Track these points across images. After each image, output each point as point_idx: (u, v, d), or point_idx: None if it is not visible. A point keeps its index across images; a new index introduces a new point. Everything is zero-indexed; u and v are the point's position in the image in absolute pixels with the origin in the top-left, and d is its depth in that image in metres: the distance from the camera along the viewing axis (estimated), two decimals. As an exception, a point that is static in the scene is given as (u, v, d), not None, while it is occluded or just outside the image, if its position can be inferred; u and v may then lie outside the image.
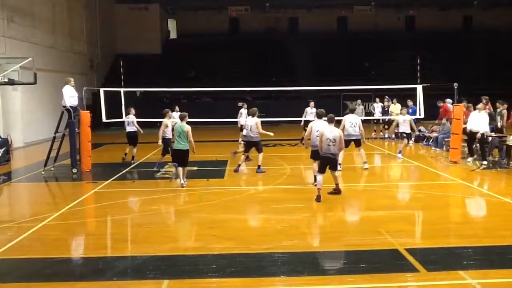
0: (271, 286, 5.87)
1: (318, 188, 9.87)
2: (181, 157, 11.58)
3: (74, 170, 13.55)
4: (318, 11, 39.73)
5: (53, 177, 13.69)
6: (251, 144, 13.63)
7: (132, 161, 15.46)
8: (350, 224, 8.30)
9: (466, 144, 14.68)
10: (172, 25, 42.29)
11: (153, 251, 7.03)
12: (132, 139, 15.49)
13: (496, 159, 14.16)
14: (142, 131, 15.53)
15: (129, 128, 15.50)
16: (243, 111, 19.58)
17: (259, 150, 13.44)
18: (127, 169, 14.40)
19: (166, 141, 13.92)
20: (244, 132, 13.81)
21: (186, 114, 11.89)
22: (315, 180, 10.45)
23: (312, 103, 19.38)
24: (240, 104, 20.26)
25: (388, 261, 6.57)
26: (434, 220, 8.72)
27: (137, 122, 15.49)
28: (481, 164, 13.30)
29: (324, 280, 5.97)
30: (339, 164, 12.04)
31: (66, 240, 7.95)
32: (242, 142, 19.71)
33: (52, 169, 14.09)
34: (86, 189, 12.06)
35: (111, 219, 9.16)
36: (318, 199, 9.74)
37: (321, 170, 9.95)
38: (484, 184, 11.86)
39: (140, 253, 7.01)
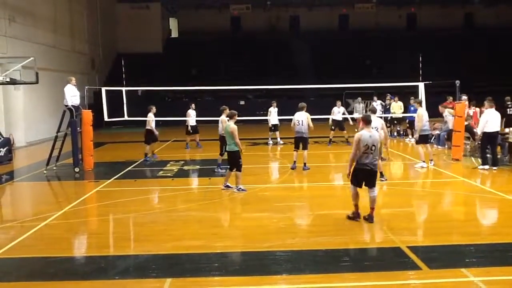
0: (273, 284, 5.87)
1: (354, 204, 8.25)
2: (229, 159, 10.94)
3: (76, 169, 13.59)
4: (319, 9, 39.70)
5: (55, 176, 13.71)
6: (299, 140, 13.29)
7: (152, 158, 15.59)
8: (352, 222, 8.28)
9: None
10: (173, 24, 42.24)
11: (156, 250, 7.05)
12: (145, 137, 15.54)
13: (498, 156, 14.08)
14: (154, 131, 15.38)
15: (147, 126, 15.49)
16: (273, 109, 19.23)
17: (305, 147, 13.23)
18: (129, 168, 14.41)
19: (223, 139, 12.42)
20: (296, 128, 13.22)
21: (235, 113, 11.00)
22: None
23: (339, 103, 18.81)
24: (271, 102, 19.83)
25: (391, 258, 6.58)
26: (436, 217, 8.73)
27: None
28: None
29: (326, 278, 5.98)
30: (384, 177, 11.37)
31: (68, 239, 7.96)
32: (271, 143, 19.52)
33: (54, 168, 14.11)
34: (88, 188, 12.08)
35: (113, 218, 9.18)
36: (354, 216, 8.23)
37: (356, 183, 8.20)
38: (486, 182, 11.82)
39: (142, 251, 7.03)
